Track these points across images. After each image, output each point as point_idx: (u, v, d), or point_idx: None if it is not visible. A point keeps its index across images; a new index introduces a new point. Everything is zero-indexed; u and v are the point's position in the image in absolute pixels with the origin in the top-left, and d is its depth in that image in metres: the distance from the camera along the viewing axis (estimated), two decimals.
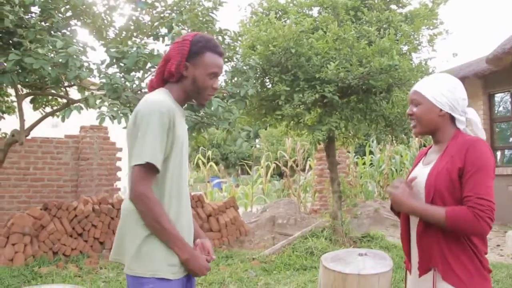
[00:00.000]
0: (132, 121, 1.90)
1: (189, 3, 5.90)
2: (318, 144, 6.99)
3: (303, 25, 6.19)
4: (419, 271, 1.90)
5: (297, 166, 13.60)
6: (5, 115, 7.31)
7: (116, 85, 4.67)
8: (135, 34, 6.23)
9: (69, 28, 5.68)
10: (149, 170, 1.82)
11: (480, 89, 9.71)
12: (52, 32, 5.23)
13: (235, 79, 6.12)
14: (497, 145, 9.97)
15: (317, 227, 7.34)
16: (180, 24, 5.73)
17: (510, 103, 9.90)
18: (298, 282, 5.26)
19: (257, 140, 24.34)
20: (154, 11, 6.10)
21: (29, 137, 6.78)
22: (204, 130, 5.58)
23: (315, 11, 7.41)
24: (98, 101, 4.64)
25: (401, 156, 13.52)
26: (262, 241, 7.48)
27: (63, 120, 4.58)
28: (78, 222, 6.35)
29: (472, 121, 1.93)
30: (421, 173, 1.94)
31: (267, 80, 7.00)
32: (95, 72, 4.95)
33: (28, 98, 6.15)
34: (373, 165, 14.11)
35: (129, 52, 4.93)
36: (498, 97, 10.16)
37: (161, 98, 1.93)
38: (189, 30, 5.78)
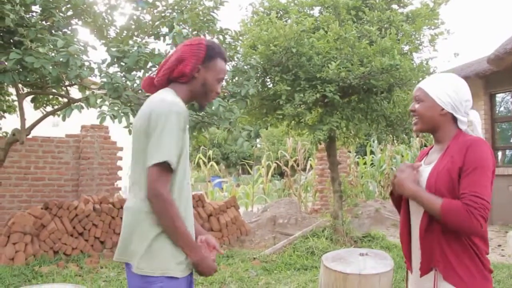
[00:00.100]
0: (145, 120, 1.89)
1: (190, 2, 5.90)
2: (319, 144, 6.99)
3: (304, 25, 6.18)
4: (420, 271, 1.90)
5: (298, 165, 13.60)
6: (6, 114, 7.31)
7: (117, 84, 4.67)
8: (136, 33, 6.22)
9: (70, 27, 5.68)
10: (166, 170, 1.84)
11: (481, 89, 9.70)
12: (53, 31, 5.23)
13: (236, 78, 6.11)
14: (498, 145, 9.96)
15: (318, 226, 7.34)
16: (181, 23, 5.72)
17: (511, 103, 9.89)
18: (299, 282, 5.26)
19: (258, 140, 24.32)
20: (155, 11, 6.09)
21: (30, 136, 6.78)
22: (205, 130, 5.58)
23: (316, 11, 7.41)
24: (99, 100, 4.64)
25: (402, 156, 13.51)
26: (263, 240, 7.48)
27: (63, 119, 4.57)
28: (78, 222, 6.35)
29: (472, 123, 1.93)
30: (422, 172, 1.94)
31: (268, 80, 6.99)
32: (96, 71, 4.94)
33: (29, 97, 6.15)
34: (374, 165, 14.10)
35: (130, 52, 4.93)
36: (499, 97, 10.14)
37: (176, 99, 1.95)
38: (190, 30, 5.77)
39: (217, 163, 20.25)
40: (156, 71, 2.13)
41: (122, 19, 6.14)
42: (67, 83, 5.51)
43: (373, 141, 14.04)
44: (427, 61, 6.88)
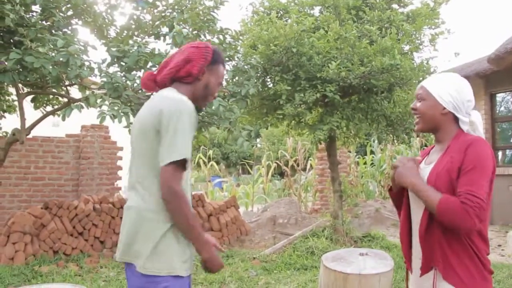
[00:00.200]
0: (155, 117, 1.89)
1: (190, 2, 5.89)
2: (319, 144, 6.99)
3: (305, 25, 6.18)
4: (420, 271, 1.90)
5: (298, 165, 13.60)
6: (6, 114, 7.30)
7: (117, 84, 4.66)
8: (136, 33, 6.22)
9: (70, 27, 5.67)
10: (180, 168, 1.85)
11: (482, 88, 9.69)
12: (53, 31, 5.23)
13: (236, 78, 6.11)
14: (498, 145, 9.96)
15: (318, 226, 7.34)
16: (181, 23, 5.72)
17: None
18: (299, 282, 5.26)
19: (258, 140, 24.32)
20: (155, 10, 6.09)
21: (30, 136, 6.78)
22: (205, 129, 5.58)
23: (316, 11, 7.41)
24: (98, 100, 4.64)
25: (402, 155, 13.50)
26: (263, 240, 7.48)
27: (63, 119, 4.57)
28: (78, 221, 6.35)
29: (473, 124, 1.92)
30: (423, 172, 1.93)
31: (268, 80, 6.99)
32: (96, 71, 4.94)
33: (29, 97, 6.14)
34: (374, 165, 14.10)
35: (130, 51, 4.93)
36: (499, 97, 10.14)
37: (185, 98, 1.96)
38: (190, 29, 5.77)
39: (217, 163, 20.25)
40: (158, 69, 2.13)
41: (122, 19, 6.14)
42: (67, 83, 5.51)
43: (373, 141, 14.04)
44: (428, 61, 6.88)
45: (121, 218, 1.98)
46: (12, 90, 6.77)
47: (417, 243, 1.94)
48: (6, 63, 4.37)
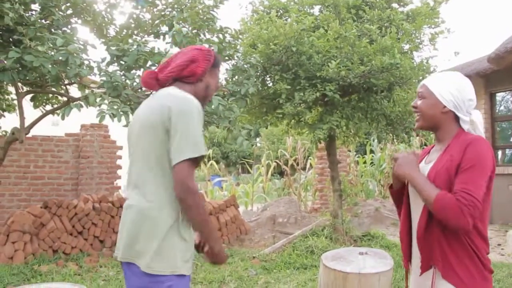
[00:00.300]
0: (163, 114, 1.89)
1: (189, 1, 5.89)
2: (319, 143, 6.98)
3: (304, 24, 6.17)
4: (420, 269, 1.90)
5: (297, 164, 13.59)
6: (5, 113, 7.30)
7: (117, 83, 4.66)
8: (135, 32, 6.21)
9: (69, 26, 5.66)
10: (194, 165, 1.87)
11: (482, 88, 9.69)
12: (53, 30, 5.22)
13: (236, 77, 6.10)
14: (498, 144, 9.96)
15: (317, 226, 7.33)
16: (180, 22, 5.71)
17: (511, 102, 9.88)
18: (298, 281, 5.25)
19: (257, 139, 24.32)
20: (155, 9, 6.08)
21: (29, 135, 6.77)
22: (205, 129, 5.57)
23: (316, 10, 7.40)
24: (98, 99, 4.63)
25: None
26: (263, 239, 7.48)
27: (63, 118, 4.56)
28: (78, 220, 6.34)
29: (474, 123, 1.92)
30: (422, 171, 1.93)
31: (268, 79, 6.98)
32: (96, 70, 4.93)
33: (28, 96, 6.14)
34: (374, 164, 14.09)
35: (130, 50, 4.92)
36: (499, 96, 10.14)
37: (192, 96, 1.99)
38: (190, 28, 5.76)
39: (217, 162, 20.24)
40: (159, 68, 2.14)
41: (121, 18, 6.14)
42: (66, 81, 5.50)
43: (373, 140, 14.04)
44: (428, 60, 6.88)
45: (120, 217, 1.97)
46: (11, 89, 6.76)
47: (416, 242, 1.94)
48: (5, 62, 4.36)
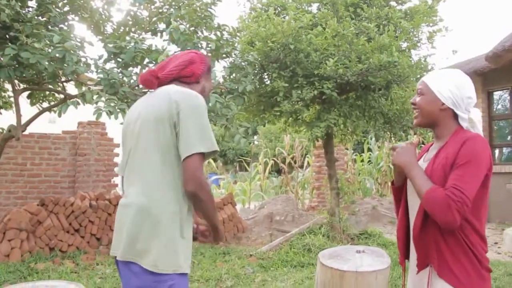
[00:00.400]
0: (171, 110, 1.89)
1: None
2: (317, 141, 6.97)
3: (302, 21, 6.16)
4: (417, 268, 1.89)
5: (295, 162, 13.60)
6: (2, 110, 7.27)
7: (114, 80, 4.64)
8: (133, 29, 6.20)
9: (66, 23, 5.64)
10: (203, 159, 1.89)
11: (479, 86, 9.69)
12: (49, 26, 5.20)
13: (234, 75, 6.09)
14: (495, 143, 9.97)
15: (314, 224, 7.33)
16: (178, 19, 5.70)
17: (509, 101, 9.89)
18: (296, 279, 5.25)
19: (255, 137, 24.31)
20: (152, 6, 6.06)
21: (26, 133, 6.75)
22: None
23: (314, 7, 7.39)
24: (95, 97, 4.62)
25: None
26: (260, 237, 7.47)
27: (59, 115, 4.55)
28: (75, 218, 6.33)
29: (472, 121, 1.91)
30: None
31: (266, 76, 6.98)
32: (93, 67, 4.92)
33: (25, 94, 6.11)
34: (371, 162, 14.11)
35: (127, 47, 4.90)
36: (497, 95, 10.15)
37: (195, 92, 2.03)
38: (187, 26, 5.75)
39: (215, 160, 20.21)
40: (159, 67, 2.13)
41: (119, 15, 6.12)
42: (63, 79, 5.48)
43: (371, 138, 14.06)
44: (425, 58, 6.87)
45: None
46: (8, 86, 6.74)
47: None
48: (1, 58, 4.34)
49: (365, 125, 7.15)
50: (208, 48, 5.68)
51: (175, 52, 5.56)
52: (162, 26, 5.98)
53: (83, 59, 4.77)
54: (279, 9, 7.26)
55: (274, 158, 14.69)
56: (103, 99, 4.60)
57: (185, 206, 1.92)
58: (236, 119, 5.79)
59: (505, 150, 10.21)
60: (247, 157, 18.26)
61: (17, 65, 4.57)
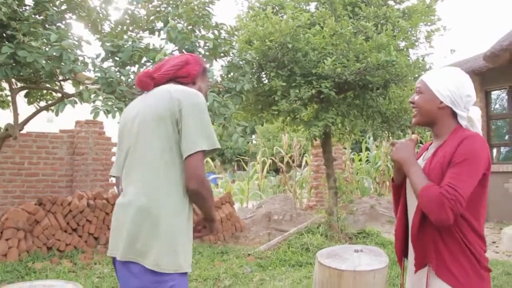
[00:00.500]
0: (173, 108, 1.89)
1: None
2: (315, 140, 6.97)
3: (300, 20, 6.16)
4: (415, 267, 1.88)
5: (293, 162, 13.60)
6: None
7: (111, 79, 4.63)
8: (130, 28, 6.19)
9: (63, 22, 5.63)
10: (204, 157, 1.91)
11: (477, 86, 9.69)
12: (47, 25, 5.19)
13: (231, 74, 6.08)
14: (493, 142, 9.97)
15: (312, 223, 7.33)
16: (176, 18, 5.68)
17: (507, 100, 9.90)
18: (294, 278, 5.25)
19: (253, 136, 24.30)
20: (150, 5, 6.05)
21: (24, 132, 6.73)
22: None
23: (312, 6, 7.39)
24: (92, 95, 4.61)
25: None
26: (258, 237, 7.47)
27: (57, 114, 4.54)
28: (72, 217, 6.31)
29: (471, 120, 1.90)
30: None
31: (264, 75, 6.97)
32: (90, 66, 4.91)
33: (22, 92, 6.10)
34: (369, 162, 14.12)
35: (124, 46, 4.90)
36: (494, 94, 10.15)
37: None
38: (185, 24, 5.74)
39: (212, 159, 20.22)
40: (154, 69, 2.13)
41: (116, 14, 6.12)
42: (60, 77, 5.47)
43: (369, 138, 14.06)
44: (423, 58, 6.87)
45: None
46: (5, 85, 6.73)
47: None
48: None
49: (363, 124, 7.15)
50: (206, 47, 5.67)
51: (172, 51, 5.55)
52: (159, 24, 5.97)
53: (80, 58, 4.76)
54: (277, 8, 7.25)
55: (272, 158, 14.69)
56: (100, 98, 4.59)
57: (186, 205, 1.91)
58: (234, 118, 5.78)
59: (503, 149, 10.22)
60: (245, 156, 18.25)
61: (14, 64, 4.56)
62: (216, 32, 5.91)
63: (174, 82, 2.08)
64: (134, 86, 4.96)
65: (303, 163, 14.07)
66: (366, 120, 6.99)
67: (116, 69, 4.97)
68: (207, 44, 5.63)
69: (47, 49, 4.47)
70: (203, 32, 5.97)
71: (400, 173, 2.02)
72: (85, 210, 6.39)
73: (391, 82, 6.46)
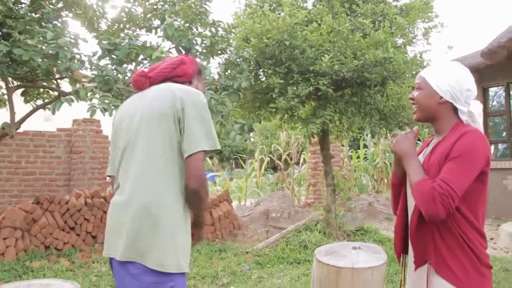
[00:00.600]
0: (176, 106, 1.88)
1: None
2: (312, 138, 6.97)
3: (298, 17, 6.14)
4: (414, 264, 1.87)
5: (291, 159, 13.60)
6: None
7: (108, 77, 4.62)
8: (127, 26, 6.17)
9: (60, 20, 5.61)
10: (205, 157, 1.91)
11: (475, 82, 9.69)
12: (43, 23, 5.17)
13: (229, 71, 6.07)
14: (491, 139, 9.99)
15: (310, 220, 7.33)
16: (172, 15, 5.66)
17: (504, 97, 9.91)
18: (292, 276, 5.25)
19: (251, 134, 24.29)
20: (147, 3, 6.04)
21: (21, 131, 6.71)
22: None
23: (309, 3, 7.38)
24: (89, 94, 4.59)
25: None
26: (256, 234, 7.46)
27: (53, 112, 4.52)
28: (70, 216, 6.30)
29: (472, 114, 1.88)
30: None
31: (261, 73, 6.95)
32: (87, 64, 4.88)
33: (19, 91, 6.07)
34: (367, 159, 14.13)
35: (121, 44, 4.88)
36: (492, 91, 10.17)
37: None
38: (182, 22, 5.72)
39: (211, 157, 20.19)
40: (150, 69, 2.13)
41: (113, 12, 6.11)
42: (57, 76, 5.45)
43: (367, 135, 14.06)
44: (421, 54, 6.87)
45: None
46: (1, 83, 6.70)
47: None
48: None
49: (361, 121, 7.15)
50: (203, 45, 5.65)
51: (169, 48, 5.53)
52: (156, 22, 5.95)
53: (77, 56, 4.74)
54: (274, 5, 7.24)
55: (270, 155, 14.68)
56: (97, 96, 4.57)
57: (183, 204, 1.90)
58: (231, 116, 5.77)
59: (500, 146, 10.23)
60: (243, 154, 18.24)
61: (10, 62, 4.54)
62: (213, 29, 5.89)
63: (170, 81, 2.06)
64: (131, 84, 4.94)
65: (301, 160, 14.07)
66: (364, 117, 6.99)
67: (113, 67, 4.95)
68: (204, 42, 5.61)
69: (43, 47, 4.45)
70: (200, 30, 5.96)
71: (400, 165, 1.99)
72: (82, 208, 6.38)
73: (388, 79, 6.46)
